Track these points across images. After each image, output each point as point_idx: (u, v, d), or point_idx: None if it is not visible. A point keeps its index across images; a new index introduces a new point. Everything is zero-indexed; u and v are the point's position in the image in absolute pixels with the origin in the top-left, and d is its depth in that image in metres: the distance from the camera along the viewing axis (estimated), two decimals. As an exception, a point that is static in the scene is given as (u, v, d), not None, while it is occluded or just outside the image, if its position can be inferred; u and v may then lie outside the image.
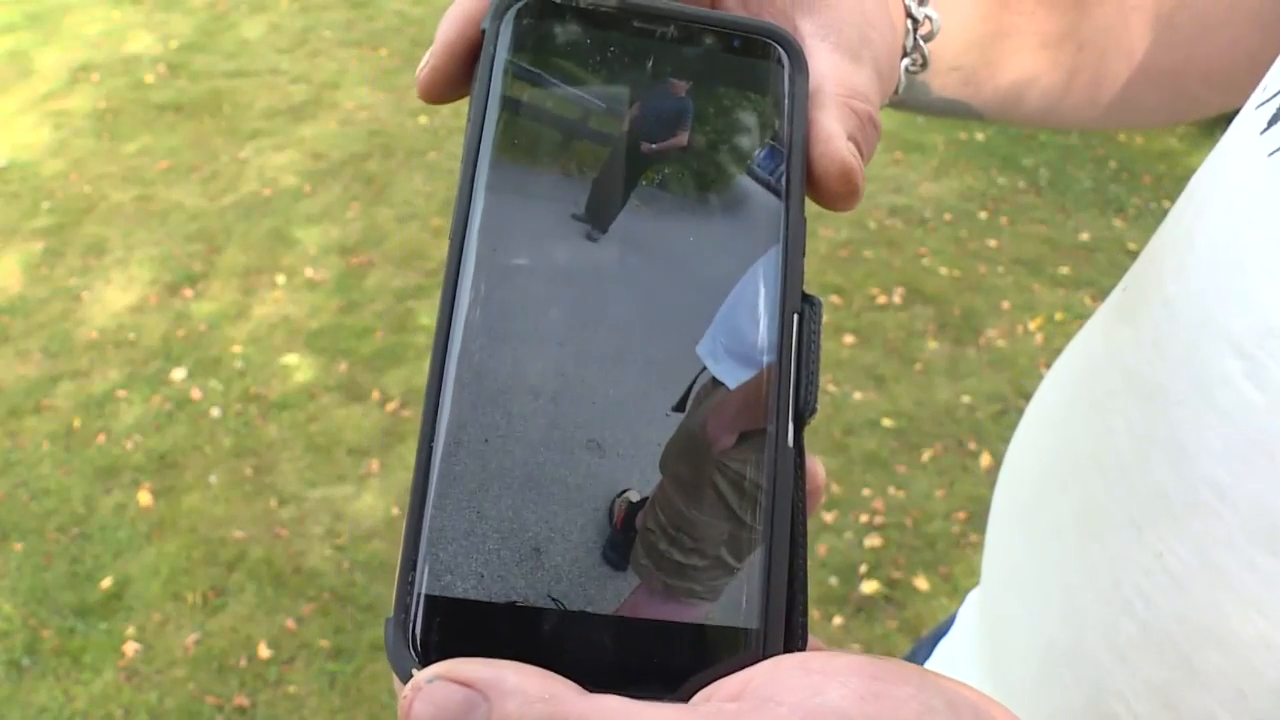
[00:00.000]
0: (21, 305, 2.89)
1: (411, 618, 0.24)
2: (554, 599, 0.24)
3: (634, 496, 0.26)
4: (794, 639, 0.26)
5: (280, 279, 2.99)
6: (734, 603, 0.25)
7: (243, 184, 3.44)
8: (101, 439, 2.46)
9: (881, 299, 2.97)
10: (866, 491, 2.35)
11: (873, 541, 2.23)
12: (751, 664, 0.23)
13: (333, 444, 2.44)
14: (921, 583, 2.15)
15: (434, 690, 0.22)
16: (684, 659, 0.24)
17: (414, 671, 0.23)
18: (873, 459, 2.44)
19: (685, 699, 0.23)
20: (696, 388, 0.27)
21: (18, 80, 4.09)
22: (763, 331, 0.27)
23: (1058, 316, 2.93)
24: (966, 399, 2.62)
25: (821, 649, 0.25)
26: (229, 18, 4.62)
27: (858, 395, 2.62)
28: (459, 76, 0.31)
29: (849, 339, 2.81)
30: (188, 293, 2.94)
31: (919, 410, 2.58)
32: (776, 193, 0.29)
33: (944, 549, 2.22)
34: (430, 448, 0.25)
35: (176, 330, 2.79)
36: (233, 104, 3.93)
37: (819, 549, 2.21)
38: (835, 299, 2.95)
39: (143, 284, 2.97)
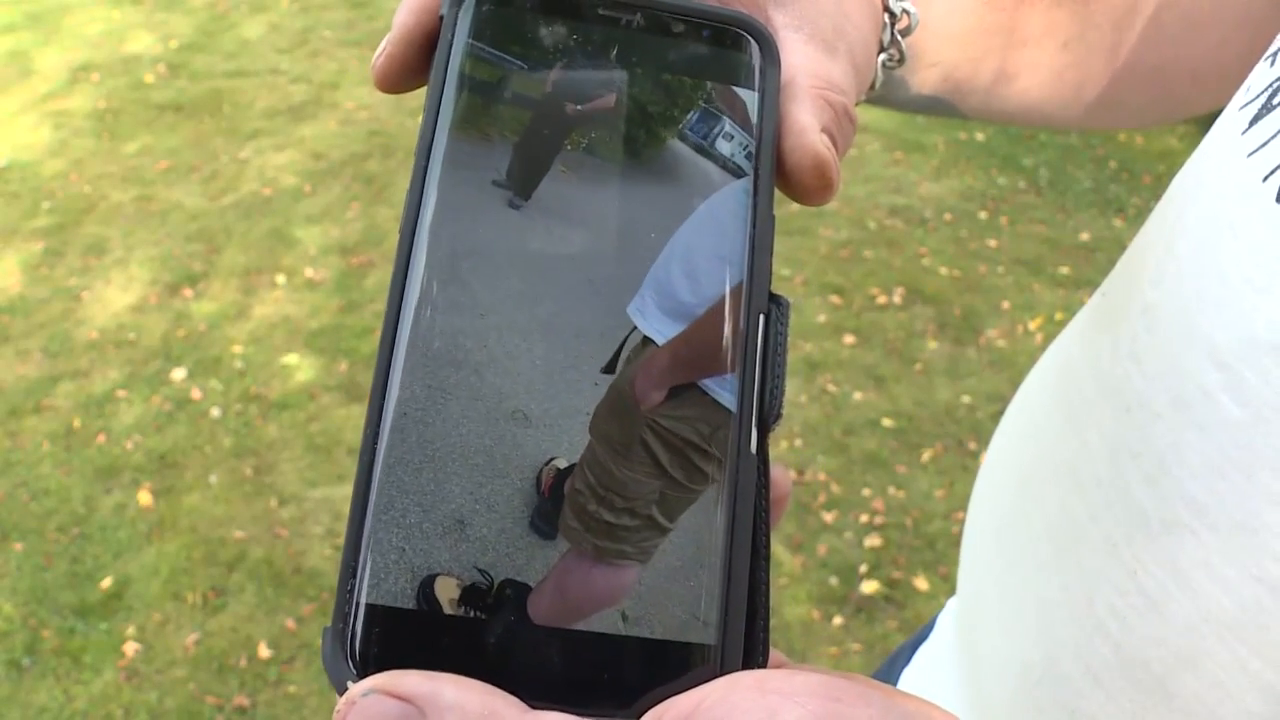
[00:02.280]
0: (21, 305, 2.89)
1: (350, 627, 0.23)
2: (492, 589, 0.23)
3: (561, 464, 0.25)
4: (754, 655, 0.24)
5: (280, 279, 2.99)
6: (691, 616, 0.24)
7: (243, 184, 3.44)
8: (101, 439, 2.46)
9: (881, 299, 2.97)
10: (866, 491, 2.35)
11: (873, 541, 2.23)
12: (708, 681, 0.22)
13: (333, 444, 2.44)
14: (921, 583, 2.15)
15: (369, 704, 0.21)
16: (636, 674, 0.23)
17: (350, 684, 0.22)
18: (873, 459, 2.44)
19: (636, 717, 0.22)
20: (627, 348, 0.26)
21: (18, 80, 4.09)
22: (698, 286, 0.26)
23: (1058, 316, 2.92)
24: (966, 399, 2.62)
25: (785, 665, 0.25)
26: (229, 18, 4.62)
27: (858, 395, 2.62)
28: (416, 65, 0.30)
29: (849, 339, 2.81)
30: (188, 293, 2.94)
31: (919, 410, 2.58)
32: (708, 155, 0.28)
33: (944, 549, 2.22)
34: (373, 451, 0.24)
35: (176, 330, 2.79)
36: (233, 104, 3.93)
37: (819, 549, 2.20)
38: (835, 299, 2.95)
39: (143, 284, 2.97)
